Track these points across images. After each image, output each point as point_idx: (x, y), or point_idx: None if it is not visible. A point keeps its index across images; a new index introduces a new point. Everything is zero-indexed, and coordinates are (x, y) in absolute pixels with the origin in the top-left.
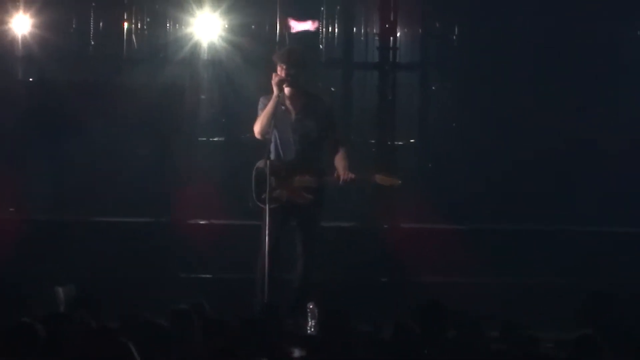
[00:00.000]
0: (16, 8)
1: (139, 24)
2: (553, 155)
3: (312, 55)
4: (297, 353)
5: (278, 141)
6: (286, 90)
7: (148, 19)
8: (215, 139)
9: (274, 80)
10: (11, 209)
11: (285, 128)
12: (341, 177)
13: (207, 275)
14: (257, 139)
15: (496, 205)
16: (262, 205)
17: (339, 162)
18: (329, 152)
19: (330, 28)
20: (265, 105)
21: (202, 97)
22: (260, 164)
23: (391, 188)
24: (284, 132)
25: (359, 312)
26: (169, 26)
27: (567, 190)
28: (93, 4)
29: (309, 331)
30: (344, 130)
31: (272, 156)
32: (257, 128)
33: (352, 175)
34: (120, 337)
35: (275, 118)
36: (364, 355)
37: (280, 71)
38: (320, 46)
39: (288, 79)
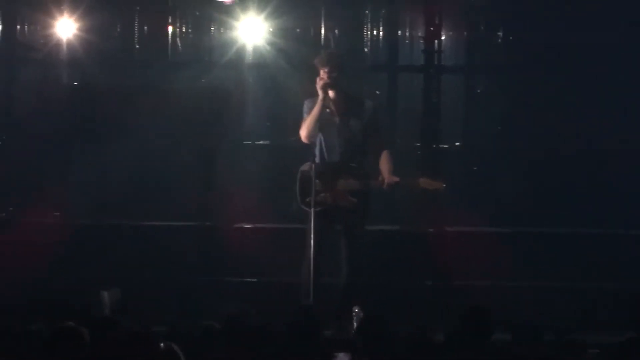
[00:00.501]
0: (60, 12)
1: (183, 28)
2: (598, 159)
3: (353, 58)
4: (341, 358)
5: (323, 144)
6: (330, 93)
7: (192, 23)
8: (260, 143)
9: (319, 84)
10: (56, 214)
11: (330, 131)
12: (385, 181)
13: (253, 280)
14: (302, 143)
15: (541, 209)
16: (306, 209)
17: (384, 165)
18: (373, 156)
19: (375, 31)
20: (310, 109)
21: (247, 100)
22: (304, 167)
23: (435, 192)
24: (328, 135)
25: (403, 315)
26: (214, 30)
27: (612, 193)
28: (137, 8)
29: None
30: (389, 134)
31: (317, 159)
32: (303, 132)
33: (396, 179)
34: (167, 343)
35: (321, 121)
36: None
37: (323, 75)
38: (365, 50)
39: (332, 82)
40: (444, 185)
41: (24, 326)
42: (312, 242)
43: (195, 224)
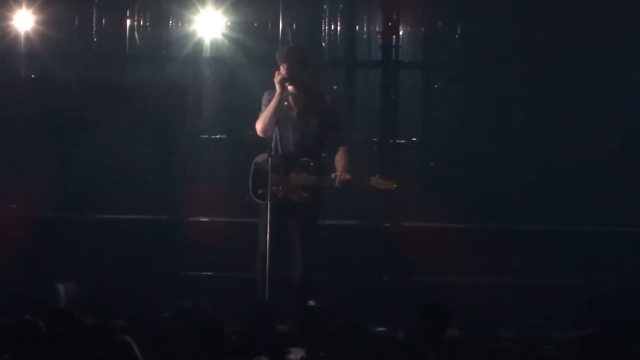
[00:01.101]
0: (19, 5)
1: (141, 21)
2: (555, 154)
3: (313, 53)
4: (295, 353)
5: (278, 138)
6: (289, 88)
7: (151, 16)
8: (217, 137)
9: (277, 78)
10: (12, 206)
11: (286, 125)
12: (337, 179)
13: (209, 273)
14: (259, 137)
15: (497, 204)
16: (258, 201)
17: (338, 161)
18: (331, 151)
19: (332, 26)
20: (268, 101)
21: (205, 94)
22: (258, 159)
23: (387, 192)
24: (284, 129)
25: (359, 310)
26: (172, 23)
27: (568, 189)
28: (95, 1)
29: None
30: (347, 129)
31: (272, 153)
32: (259, 126)
33: (347, 177)
34: (122, 336)
35: (277, 115)
36: (362, 354)
37: (282, 69)
38: (323, 44)
39: (290, 77)
40: (395, 186)
41: None
42: (266, 236)
43: (153, 218)
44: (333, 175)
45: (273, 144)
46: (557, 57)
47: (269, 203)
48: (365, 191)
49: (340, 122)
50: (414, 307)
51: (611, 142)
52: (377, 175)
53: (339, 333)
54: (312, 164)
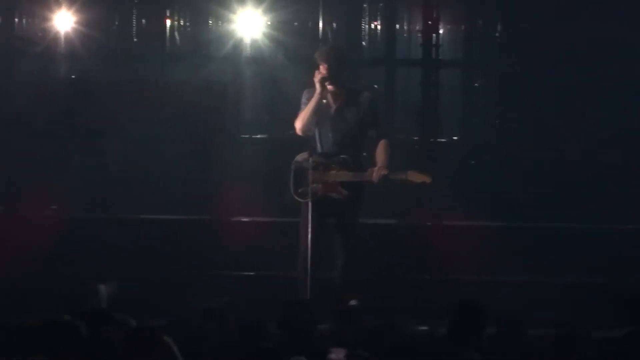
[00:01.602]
0: (59, 5)
1: (181, 21)
2: (596, 154)
3: (353, 52)
4: (337, 353)
5: (318, 137)
6: (328, 87)
7: (190, 16)
8: (257, 137)
9: (316, 77)
10: (53, 207)
11: (325, 123)
12: (375, 173)
13: (250, 273)
14: (300, 136)
15: (538, 204)
16: (298, 199)
17: (379, 156)
18: (371, 147)
19: (372, 25)
20: (308, 99)
21: (245, 94)
22: (298, 157)
23: (423, 185)
24: (323, 127)
25: (399, 309)
26: (212, 23)
27: (609, 189)
28: (135, 1)
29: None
30: (385, 126)
31: (313, 151)
32: (298, 124)
33: (384, 172)
34: (161, 336)
35: (317, 114)
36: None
37: (322, 69)
38: (363, 43)
39: (330, 77)
40: (431, 179)
41: (19, 320)
42: (307, 235)
43: (193, 218)
44: (369, 171)
45: (313, 143)
46: (597, 57)
47: (309, 202)
48: (404, 188)
49: (379, 119)
50: (451, 306)
51: None
52: (414, 170)
53: (378, 332)
54: (351, 161)
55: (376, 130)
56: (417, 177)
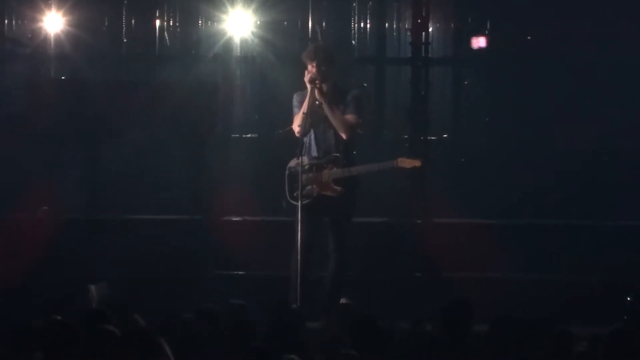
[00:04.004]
0: (48, 6)
1: (171, 22)
2: (588, 150)
3: (339, 50)
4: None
5: (312, 137)
6: (318, 86)
7: (180, 16)
8: (248, 136)
9: (306, 77)
10: (44, 208)
11: (318, 124)
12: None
13: (241, 273)
14: (290, 135)
15: (529, 201)
16: (294, 203)
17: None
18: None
19: (362, 23)
20: (299, 102)
21: (235, 94)
22: (291, 163)
23: (412, 170)
24: (317, 128)
25: (392, 308)
26: (201, 23)
27: (598, 185)
28: (125, 2)
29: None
30: (377, 125)
31: (305, 152)
32: (296, 128)
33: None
34: (153, 336)
35: (311, 115)
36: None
37: (311, 68)
38: (353, 42)
39: (319, 76)
40: (420, 163)
41: (16, 321)
42: (299, 235)
43: (185, 218)
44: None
45: (307, 143)
46: (588, 53)
47: (302, 203)
48: (395, 186)
49: (359, 110)
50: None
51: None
52: (403, 156)
53: (367, 330)
54: (342, 158)
55: (352, 114)
56: (407, 162)
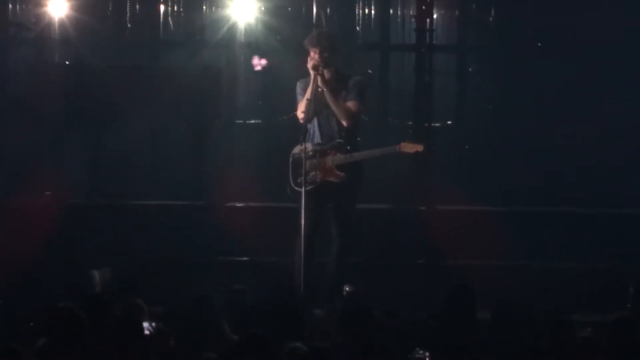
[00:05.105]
0: None
1: (175, 7)
2: (592, 139)
3: (344, 37)
4: (331, 337)
5: (315, 123)
6: (321, 72)
7: (184, 2)
8: (252, 122)
9: (309, 64)
10: (47, 193)
11: (321, 109)
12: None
13: (245, 258)
14: (293, 121)
15: (533, 187)
16: (298, 189)
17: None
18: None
19: (366, 10)
20: (302, 89)
21: (239, 79)
22: (295, 149)
23: (416, 155)
24: (320, 113)
25: (394, 294)
26: (205, 9)
27: (604, 173)
28: None
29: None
30: (364, 105)
31: (309, 138)
32: (301, 115)
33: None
34: (156, 323)
35: (315, 102)
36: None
37: (313, 55)
38: (357, 28)
39: (322, 62)
40: (422, 147)
41: (18, 307)
42: (303, 221)
43: (188, 203)
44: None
45: (311, 130)
46: (593, 42)
47: (307, 189)
48: (399, 172)
49: (361, 97)
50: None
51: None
52: (406, 141)
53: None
54: (345, 144)
55: (354, 101)
56: (409, 147)
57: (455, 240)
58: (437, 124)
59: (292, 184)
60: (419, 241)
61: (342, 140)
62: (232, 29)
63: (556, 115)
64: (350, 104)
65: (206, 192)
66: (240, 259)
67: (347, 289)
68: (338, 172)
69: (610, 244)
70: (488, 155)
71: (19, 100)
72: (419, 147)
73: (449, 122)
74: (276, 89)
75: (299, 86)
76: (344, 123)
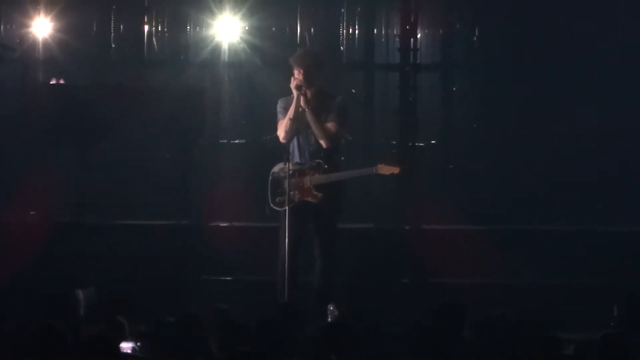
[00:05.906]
0: (37, 11)
1: (159, 27)
2: (576, 155)
3: (328, 56)
4: (315, 355)
5: (296, 143)
6: (304, 92)
7: (168, 22)
8: (236, 141)
9: (292, 83)
10: (32, 212)
11: (302, 129)
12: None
13: (228, 278)
14: (277, 141)
15: (517, 206)
16: (277, 209)
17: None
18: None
19: (350, 30)
20: (283, 108)
21: (223, 99)
22: (275, 168)
23: (391, 177)
24: (300, 133)
25: (378, 313)
26: (190, 28)
27: (590, 190)
28: (114, 7)
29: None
30: (347, 128)
31: (290, 158)
32: (281, 134)
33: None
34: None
35: (297, 121)
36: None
37: (298, 74)
38: (341, 48)
39: (306, 82)
40: (399, 170)
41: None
42: (285, 240)
43: (172, 223)
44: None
45: (291, 149)
46: (576, 57)
47: (287, 209)
48: (382, 191)
49: (342, 118)
50: (433, 309)
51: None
52: (383, 163)
53: (356, 335)
54: (324, 164)
55: (333, 122)
56: (386, 169)
57: (440, 259)
58: (421, 144)
59: (271, 203)
60: (404, 260)
61: (320, 161)
62: (216, 48)
63: (540, 134)
64: (330, 125)
65: (191, 212)
66: (224, 278)
67: (331, 307)
68: (316, 193)
69: (595, 261)
70: (472, 175)
71: (5, 118)
72: (395, 170)
73: (433, 142)
74: (260, 109)
75: (279, 105)
76: (323, 144)
